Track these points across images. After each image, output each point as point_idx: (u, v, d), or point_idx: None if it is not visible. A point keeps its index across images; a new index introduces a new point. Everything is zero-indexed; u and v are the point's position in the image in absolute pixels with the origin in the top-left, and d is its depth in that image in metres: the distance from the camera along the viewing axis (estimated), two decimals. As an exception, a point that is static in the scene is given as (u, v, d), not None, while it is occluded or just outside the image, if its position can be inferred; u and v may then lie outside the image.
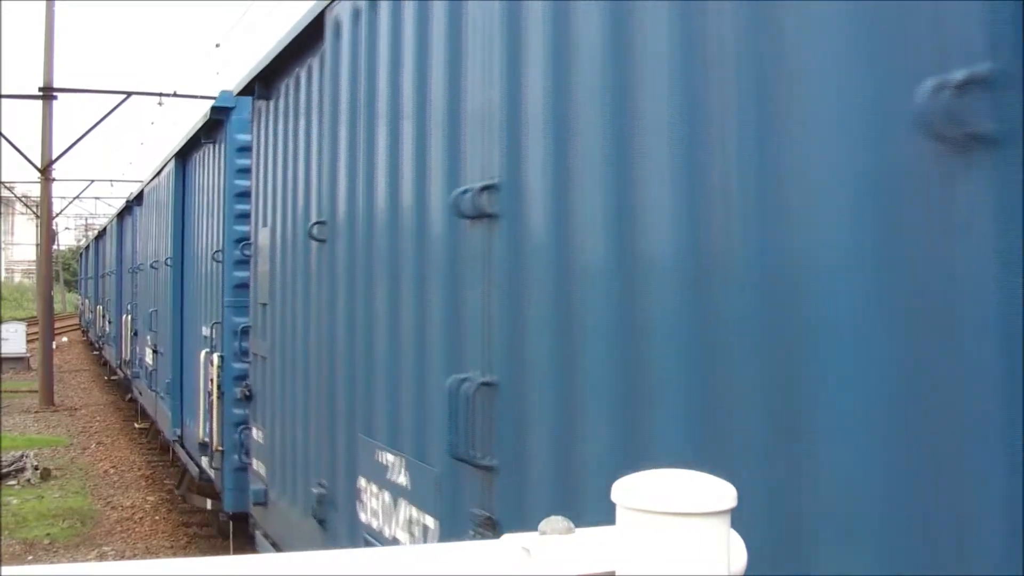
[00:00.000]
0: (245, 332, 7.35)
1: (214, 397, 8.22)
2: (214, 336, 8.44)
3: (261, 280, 6.67)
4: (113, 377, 22.91)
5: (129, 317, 17.09)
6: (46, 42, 21.27)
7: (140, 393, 15.41)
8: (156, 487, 13.00)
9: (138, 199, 16.04)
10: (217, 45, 49.56)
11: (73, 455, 15.24)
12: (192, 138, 9.89)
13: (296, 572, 1.12)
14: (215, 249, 8.50)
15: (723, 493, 1.11)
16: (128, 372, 17.39)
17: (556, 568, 1.15)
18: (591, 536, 1.19)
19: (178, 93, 20.81)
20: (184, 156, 10.97)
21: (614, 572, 1.13)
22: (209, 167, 9.25)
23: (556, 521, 1.19)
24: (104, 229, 26.68)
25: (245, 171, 7.80)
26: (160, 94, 20.71)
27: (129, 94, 20.35)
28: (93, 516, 11.40)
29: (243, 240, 7.62)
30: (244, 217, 7.74)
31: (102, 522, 11.15)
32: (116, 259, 20.63)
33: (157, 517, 11.43)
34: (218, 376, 8.14)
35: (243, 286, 7.73)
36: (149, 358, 13.63)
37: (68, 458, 14.95)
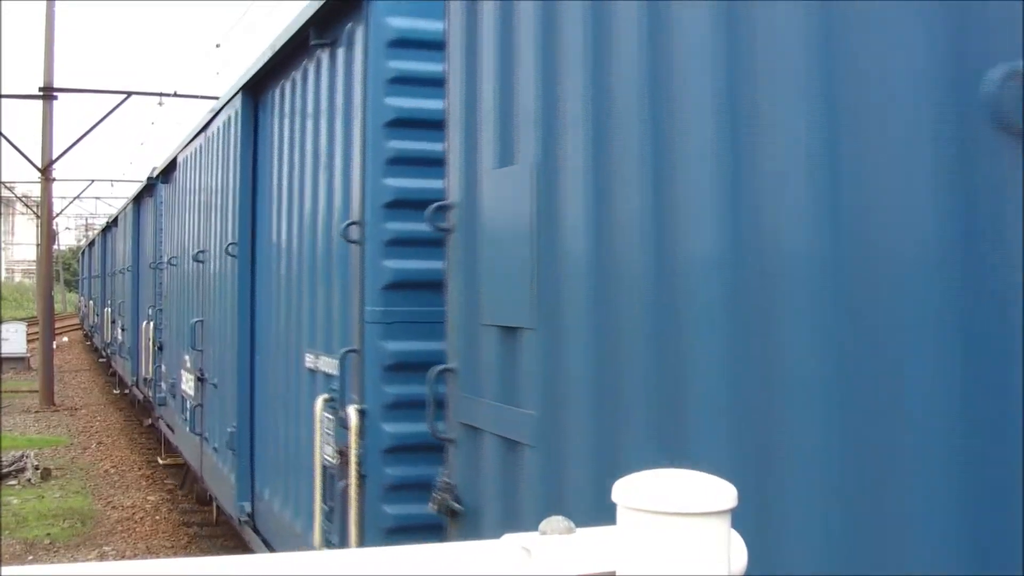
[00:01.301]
0: (441, 376, 3.83)
1: (350, 483, 4.71)
2: (345, 374, 4.94)
3: (500, 276, 3.36)
4: (124, 392, 20.03)
5: (151, 325, 13.39)
6: (46, 42, 21.26)
7: (172, 430, 11.56)
8: (157, 487, 12.99)
9: (165, 174, 12.42)
10: (217, 45, 49.63)
11: (73, 455, 15.23)
12: (280, 53, 6.19)
13: (296, 572, 1.12)
14: (346, 221, 4.90)
15: (723, 493, 1.11)
16: (149, 394, 14.01)
17: (556, 568, 1.15)
18: (591, 536, 1.20)
19: (178, 93, 20.83)
20: (257, 89, 7.16)
21: (614, 572, 1.13)
22: (320, 86, 5.61)
23: (556, 521, 1.19)
24: (115, 219, 22.18)
25: (409, 82, 4.76)
26: (160, 94, 20.73)
27: (129, 94, 20.36)
28: (93, 516, 11.40)
29: (404, 203, 4.65)
30: (404, 163, 4.72)
31: (103, 522, 11.14)
32: (133, 252, 16.66)
33: (158, 517, 11.43)
34: (358, 448, 4.68)
35: (403, 286, 4.69)
36: (188, 386, 9.64)
37: (68, 458, 14.95)
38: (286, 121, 6.44)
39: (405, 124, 4.77)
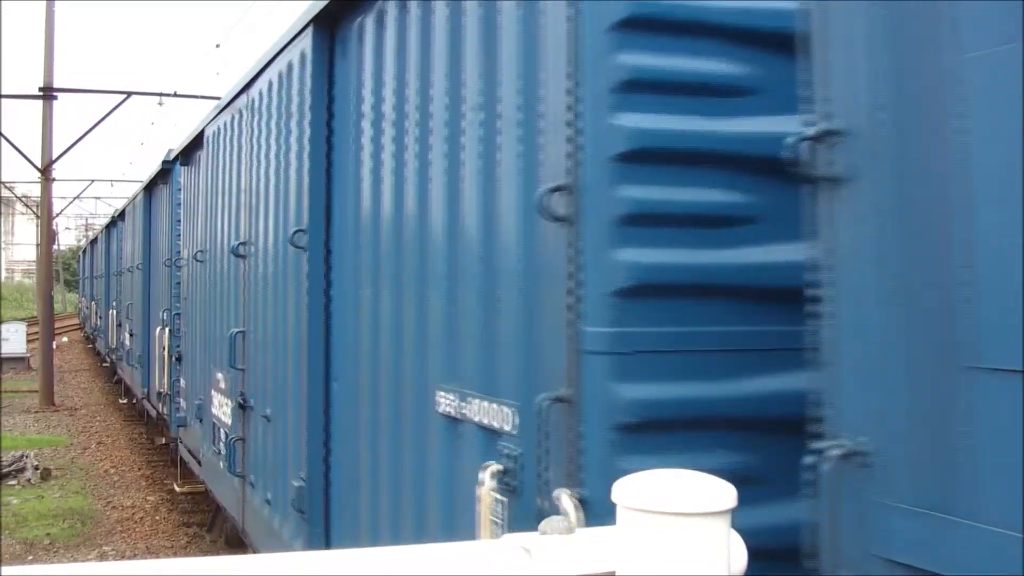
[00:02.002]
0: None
1: None
2: (545, 435, 2.91)
3: None
4: (132, 402, 18.49)
5: (166, 332, 11.74)
6: (46, 42, 21.26)
7: (197, 460, 9.48)
8: (156, 487, 12.99)
9: (186, 154, 10.17)
10: (217, 45, 49.46)
11: (73, 455, 15.23)
12: None
13: (296, 572, 1.12)
14: (545, 187, 2.92)
15: (723, 493, 1.11)
16: (163, 411, 12.35)
17: (556, 568, 1.15)
18: (591, 536, 1.19)
19: (178, 93, 20.82)
20: (336, 21, 5.24)
21: (614, 572, 1.13)
22: None
23: (556, 521, 1.19)
24: (122, 212, 19.60)
25: None
26: (160, 94, 20.73)
27: (129, 94, 20.36)
28: (93, 516, 11.39)
29: (655, 156, 2.86)
30: (651, 90, 2.90)
31: (102, 522, 11.14)
32: (143, 248, 14.65)
33: (157, 517, 11.42)
34: None
35: (653, 292, 2.86)
36: (223, 413, 7.66)
37: (68, 458, 14.94)
38: (390, 54, 4.43)
39: (653, 27, 2.91)
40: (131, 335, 16.54)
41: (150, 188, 14.23)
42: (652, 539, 1.11)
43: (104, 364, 25.39)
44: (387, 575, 1.13)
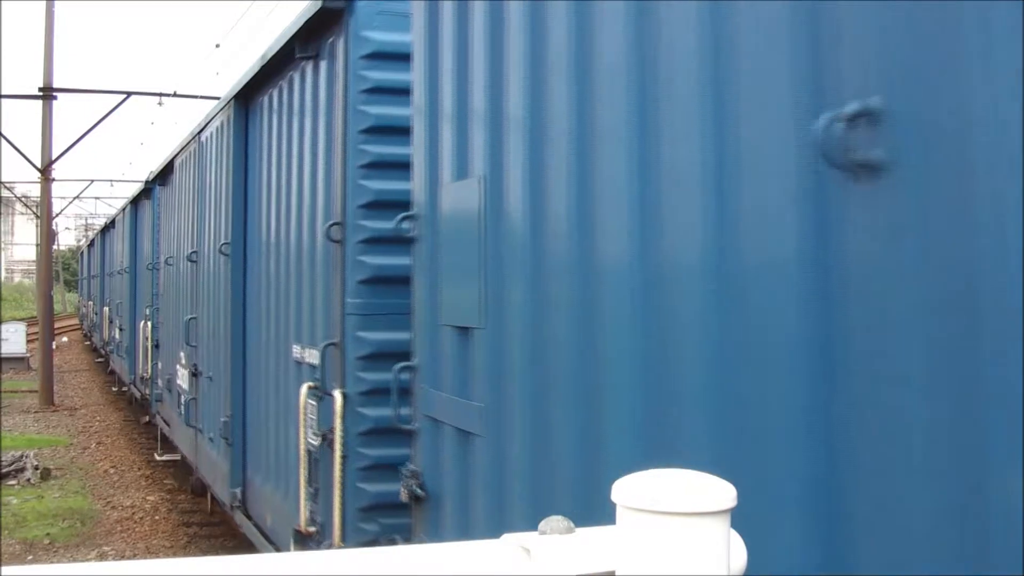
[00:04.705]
0: None
1: None
2: None
3: None
4: (171, 460, 12.89)
5: (336, 398, 4.96)
6: (46, 42, 21.27)
7: None
8: (156, 487, 12.99)
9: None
10: (217, 45, 49.44)
11: (73, 455, 15.24)
12: None
13: (296, 572, 1.12)
14: None
15: (723, 493, 1.11)
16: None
17: (556, 568, 1.15)
18: (591, 536, 1.19)
19: (178, 93, 20.83)
20: None
21: (614, 572, 1.13)
22: None
23: (556, 521, 1.19)
24: (168, 166, 11.92)
25: None
26: (160, 94, 20.74)
27: (129, 94, 20.37)
28: (93, 516, 11.40)
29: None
30: None
31: (102, 522, 11.14)
32: (232, 215, 7.54)
33: (157, 517, 11.43)
34: None
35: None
36: None
37: (68, 458, 14.95)
38: None
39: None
40: (195, 375, 9.53)
41: (247, 97, 7.36)
42: (652, 539, 1.10)
43: (123, 389, 19.42)
44: (385, 575, 1.13)
